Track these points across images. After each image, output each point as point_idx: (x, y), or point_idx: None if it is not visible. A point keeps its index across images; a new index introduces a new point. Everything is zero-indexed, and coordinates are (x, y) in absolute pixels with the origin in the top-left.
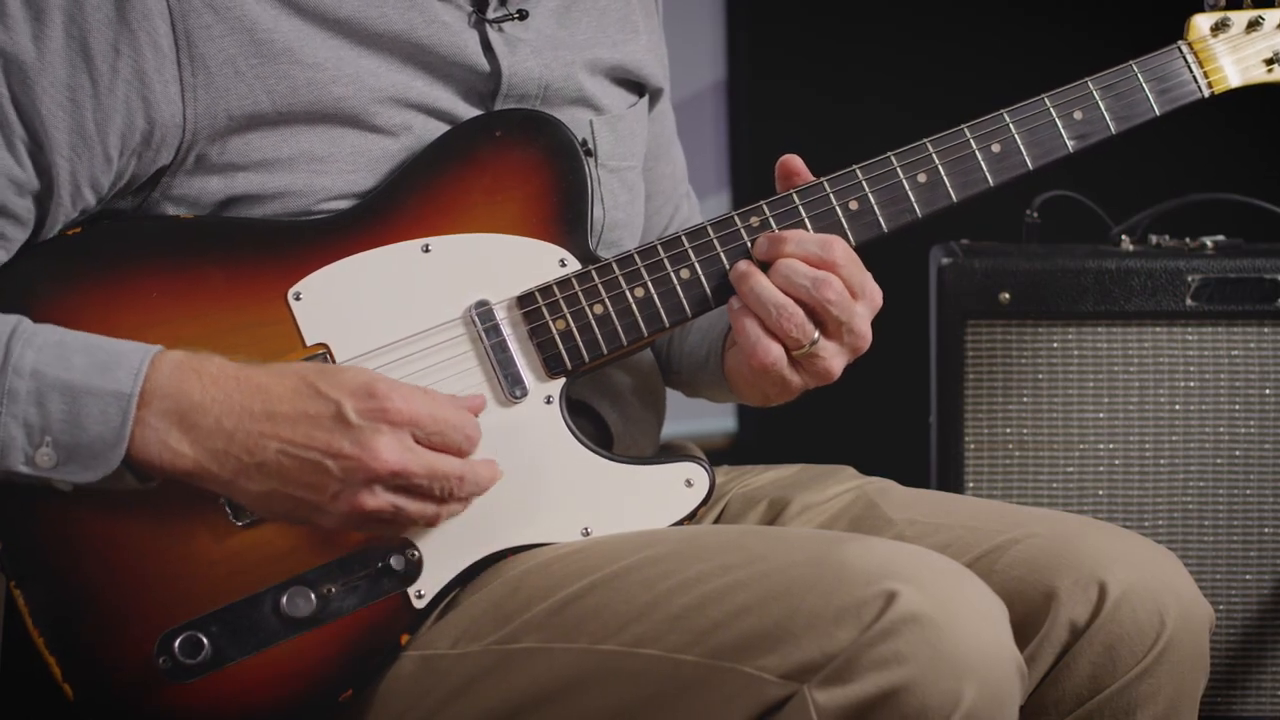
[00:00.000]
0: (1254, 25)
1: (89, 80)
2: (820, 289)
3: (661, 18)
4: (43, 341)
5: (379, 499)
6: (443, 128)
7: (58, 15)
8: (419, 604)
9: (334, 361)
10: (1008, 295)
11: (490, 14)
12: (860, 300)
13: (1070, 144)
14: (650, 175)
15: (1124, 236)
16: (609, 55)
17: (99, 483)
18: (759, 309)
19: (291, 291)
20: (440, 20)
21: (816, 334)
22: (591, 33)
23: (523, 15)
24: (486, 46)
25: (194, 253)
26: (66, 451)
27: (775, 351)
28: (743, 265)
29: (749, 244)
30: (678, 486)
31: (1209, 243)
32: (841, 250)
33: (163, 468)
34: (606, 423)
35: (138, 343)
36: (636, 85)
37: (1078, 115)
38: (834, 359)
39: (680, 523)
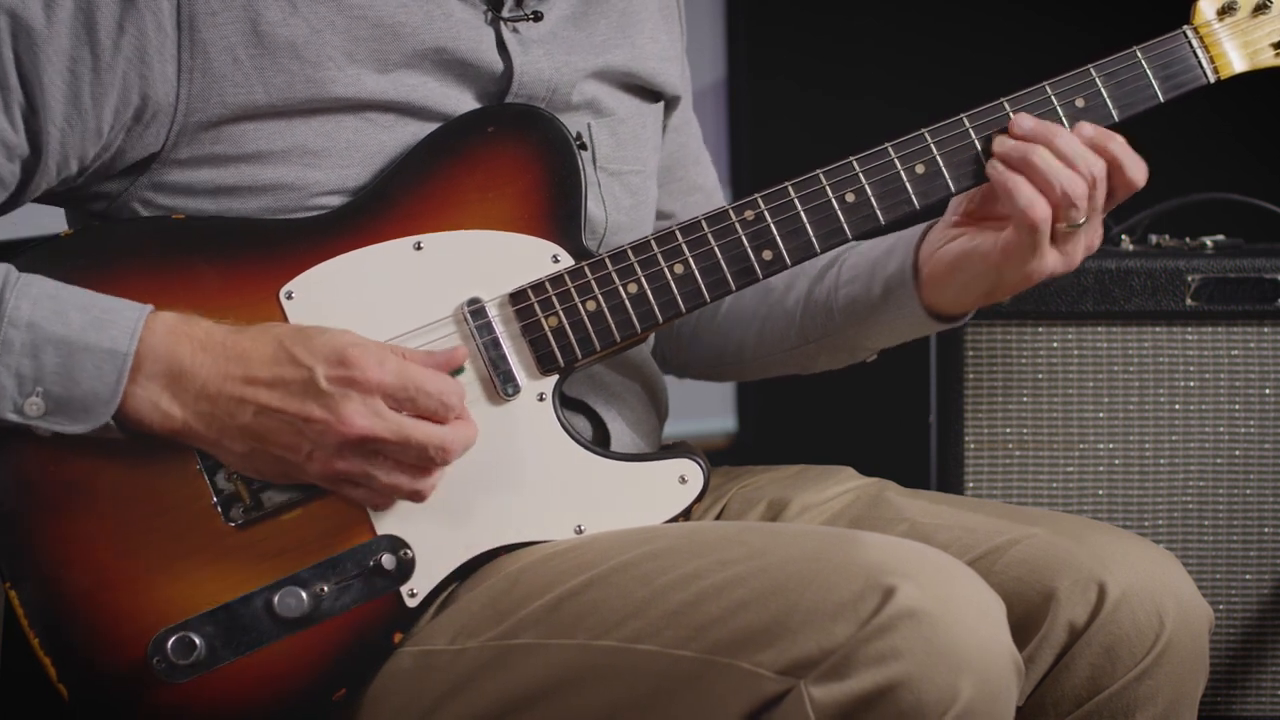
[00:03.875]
0: (1261, 9)
1: (90, 54)
2: (1095, 167)
3: (685, 27)
4: (38, 293)
5: (349, 462)
6: None
7: None
8: (412, 603)
9: None
10: None
11: (505, 13)
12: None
13: None
14: (683, 185)
15: (1124, 236)
16: (621, 61)
17: (84, 433)
18: (1045, 175)
19: (283, 291)
20: (457, 16)
21: (1084, 217)
22: (606, 37)
23: (537, 17)
24: (500, 46)
25: (185, 252)
26: (56, 402)
27: (1046, 209)
28: (1027, 125)
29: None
30: (671, 483)
31: (1209, 243)
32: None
33: (151, 426)
34: (605, 424)
35: (130, 301)
36: (650, 92)
37: (1080, 102)
38: (1082, 246)
39: (674, 519)
